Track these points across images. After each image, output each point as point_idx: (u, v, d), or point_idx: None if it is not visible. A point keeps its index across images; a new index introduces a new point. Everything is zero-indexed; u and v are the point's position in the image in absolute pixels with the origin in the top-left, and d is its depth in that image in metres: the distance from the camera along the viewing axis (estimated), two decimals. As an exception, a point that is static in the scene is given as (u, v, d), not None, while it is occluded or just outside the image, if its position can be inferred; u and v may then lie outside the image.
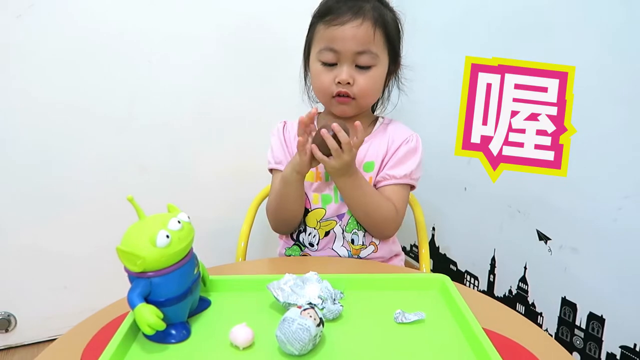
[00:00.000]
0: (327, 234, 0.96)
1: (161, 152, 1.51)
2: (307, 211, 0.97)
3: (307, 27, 0.96)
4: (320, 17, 0.90)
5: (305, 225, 0.98)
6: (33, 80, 1.32)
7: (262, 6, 1.53)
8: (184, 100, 1.50)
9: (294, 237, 1.00)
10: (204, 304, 0.68)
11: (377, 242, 0.98)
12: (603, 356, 1.14)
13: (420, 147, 0.97)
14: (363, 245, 0.97)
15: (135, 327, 0.61)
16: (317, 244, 0.97)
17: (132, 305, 0.56)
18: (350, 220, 0.96)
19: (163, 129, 1.49)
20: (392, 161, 0.95)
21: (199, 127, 1.54)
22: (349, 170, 0.86)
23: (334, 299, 0.67)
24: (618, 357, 1.10)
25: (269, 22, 1.54)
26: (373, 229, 0.95)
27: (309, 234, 0.98)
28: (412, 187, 0.97)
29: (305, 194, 0.96)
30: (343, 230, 0.96)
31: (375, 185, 0.95)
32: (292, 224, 0.98)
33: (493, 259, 1.46)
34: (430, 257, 1.47)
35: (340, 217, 0.96)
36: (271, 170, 1.01)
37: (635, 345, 1.06)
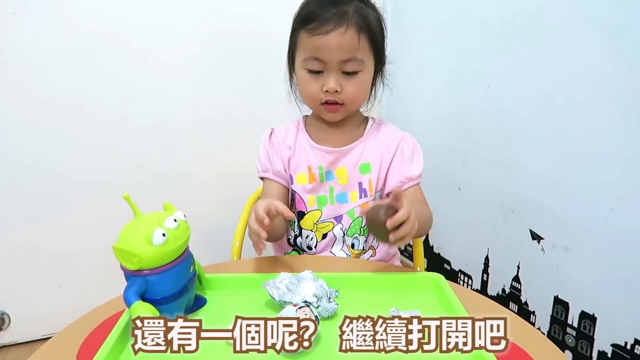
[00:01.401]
0: (324, 236, 0.96)
1: (157, 151, 1.51)
2: (302, 214, 0.96)
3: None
4: (303, 23, 0.87)
5: (301, 228, 0.97)
6: (29, 78, 1.31)
7: (258, 6, 1.53)
8: (180, 100, 1.50)
9: (291, 242, 1.00)
10: (199, 302, 0.69)
11: (375, 246, 0.99)
12: (595, 354, 1.15)
13: (418, 144, 0.98)
14: (363, 250, 0.97)
15: (131, 325, 0.61)
16: (315, 247, 0.96)
17: (128, 303, 0.57)
18: (352, 224, 0.95)
19: (159, 128, 1.49)
20: (400, 163, 0.95)
21: (195, 126, 1.54)
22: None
23: (329, 298, 0.68)
24: (609, 355, 1.11)
25: (265, 21, 1.54)
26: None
27: (306, 237, 0.97)
28: None
29: (300, 196, 0.96)
30: (344, 234, 0.95)
31: (388, 193, 0.95)
32: (278, 239, 0.99)
33: (487, 258, 1.47)
34: (424, 257, 1.48)
35: (337, 219, 0.95)
36: (262, 178, 1.01)
37: (626, 343, 1.08)
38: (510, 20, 1.27)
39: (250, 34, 1.54)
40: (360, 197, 0.95)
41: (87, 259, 1.45)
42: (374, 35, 0.89)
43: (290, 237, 1.00)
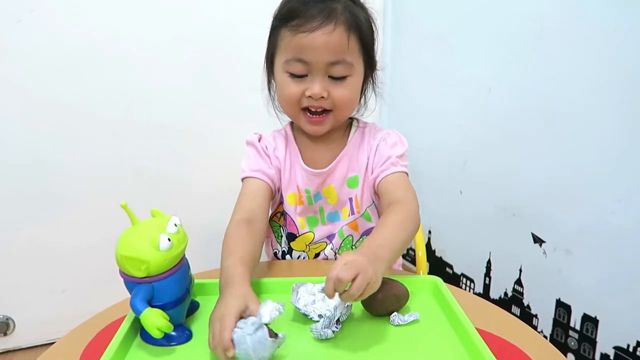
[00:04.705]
0: (317, 255, 0.92)
1: (157, 155, 1.51)
2: (294, 236, 0.92)
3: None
4: (285, 20, 0.78)
5: (292, 249, 0.93)
6: (33, 84, 1.32)
7: (260, 14, 1.53)
8: (180, 105, 1.51)
9: (279, 257, 0.96)
10: (193, 306, 0.69)
11: None
12: (597, 357, 1.15)
13: (402, 138, 0.89)
14: None
15: (133, 330, 0.62)
16: None
17: (138, 312, 0.57)
18: (343, 244, 0.91)
19: (160, 132, 1.49)
20: (377, 160, 0.87)
21: (195, 132, 1.55)
22: (377, 263, 0.62)
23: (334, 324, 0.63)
24: (612, 357, 1.11)
25: (265, 29, 1.55)
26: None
27: (298, 257, 0.94)
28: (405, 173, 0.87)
29: (292, 218, 0.91)
30: (335, 253, 0.91)
31: (373, 185, 0.88)
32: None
33: (489, 262, 1.47)
34: (426, 260, 1.48)
35: (330, 237, 0.91)
36: (245, 179, 0.90)
37: (628, 345, 1.07)
38: (510, 24, 1.28)
39: (250, 41, 1.55)
40: (352, 214, 0.90)
41: (91, 265, 1.45)
42: (365, 36, 0.80)
43: (277, 251, 0.95)
